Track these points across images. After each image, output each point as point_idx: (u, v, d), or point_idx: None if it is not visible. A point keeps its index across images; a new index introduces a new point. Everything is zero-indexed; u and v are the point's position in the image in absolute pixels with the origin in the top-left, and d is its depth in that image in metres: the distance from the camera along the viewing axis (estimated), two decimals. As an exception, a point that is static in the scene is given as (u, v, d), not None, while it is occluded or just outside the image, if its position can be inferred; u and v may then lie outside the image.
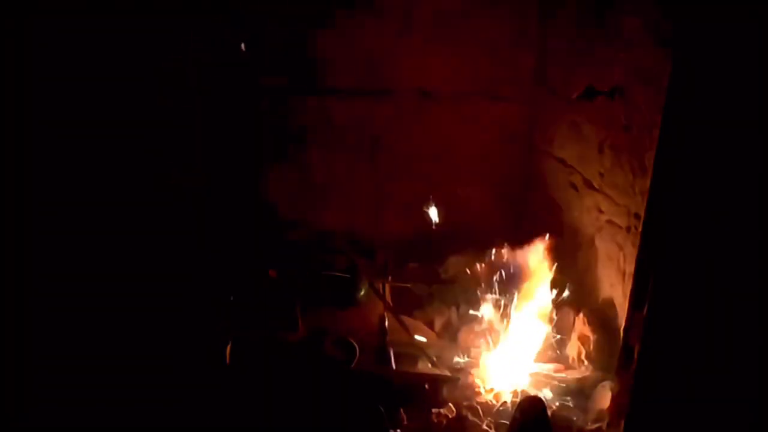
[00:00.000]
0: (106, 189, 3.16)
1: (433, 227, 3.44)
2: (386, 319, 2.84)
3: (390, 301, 3.05)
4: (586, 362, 2.75)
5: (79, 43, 3.00)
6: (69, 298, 2.65)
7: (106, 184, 3.16)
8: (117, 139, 3.18)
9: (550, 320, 2.88)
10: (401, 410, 2.48)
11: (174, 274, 2.96)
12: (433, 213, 3.45)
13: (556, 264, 2.89)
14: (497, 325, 2.89)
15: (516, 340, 2.81)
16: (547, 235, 2.96)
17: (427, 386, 2.60)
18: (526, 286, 2.91)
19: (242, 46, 3.26)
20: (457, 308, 3.12)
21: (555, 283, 2.93)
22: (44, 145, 2.90)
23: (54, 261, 2.75)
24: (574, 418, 2.49)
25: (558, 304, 2.93)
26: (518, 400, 2.47)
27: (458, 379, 2.66)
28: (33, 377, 2.33)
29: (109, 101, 3.13)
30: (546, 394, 2.60)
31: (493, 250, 3.13)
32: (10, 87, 2.62)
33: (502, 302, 2.96)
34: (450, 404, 2.55)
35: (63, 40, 2.96)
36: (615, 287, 2.80)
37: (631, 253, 2.61)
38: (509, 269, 2.98)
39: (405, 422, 2.46)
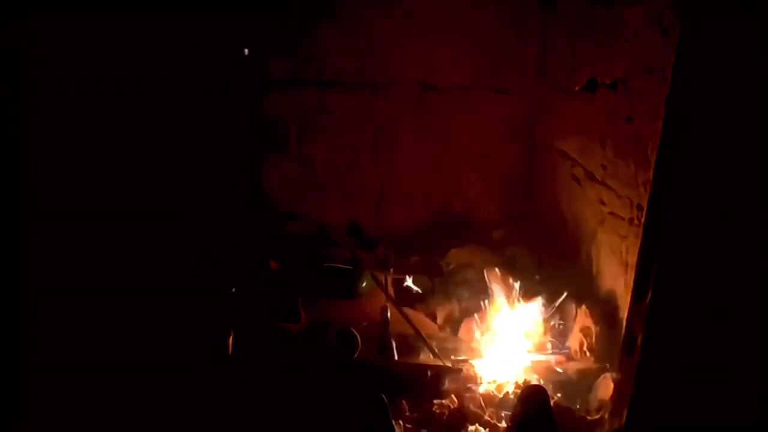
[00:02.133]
0: (106, 187, 3.15)
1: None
2: (388, 311, 2.84)
3: (392, 293, 3.05)
4: (588, 353, 2.75)
5: (80, 42, 2.98)
6: (68, 296, 2.63)
7: (106, 182, 3.14)
8: (117, 138, 3.16)
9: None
10: (403, 401, 2.49)
11: (175, 269, 2.96)
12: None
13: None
14: (499, 316, 2.90)
15: (518, 332, 2.81)
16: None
17: (429, 377, 2.60)
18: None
19: (245, 51, 3.26)
20: (459, 300, 3.13)
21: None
22: (44, 144, 2.87)
23: (53, 259, 2.73)
24: (577, 406, 2.50)
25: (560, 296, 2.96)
26: (520, 390, 2.47)
27: (460, 370, 2.66)
28: (33, 377, 2.31)
29: (109, 100, 3.11)
30: (548, 384, 2.61)
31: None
32: (10, 87, 2.60)
33: (505, 294, 2.98)
34: (452, 395, 2.55)
35: (64, 39, 2.94)
36: (617, 279, 2.80)
37: (633, 244, 2.61)
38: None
39: (407, 413, 2.46)
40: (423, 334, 2.85)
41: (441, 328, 3.01)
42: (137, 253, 2.98)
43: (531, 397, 2.32)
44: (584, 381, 2.62)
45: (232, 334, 2.69)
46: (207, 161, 3.43)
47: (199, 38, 3.23)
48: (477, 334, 2.90)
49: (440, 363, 2.72)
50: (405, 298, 3.11)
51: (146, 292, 2.73)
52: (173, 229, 3.15)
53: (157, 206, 3.21)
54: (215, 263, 3.05)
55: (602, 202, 2.93)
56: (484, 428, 2.40)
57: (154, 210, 3.19)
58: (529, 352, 2.80)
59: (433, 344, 2.81)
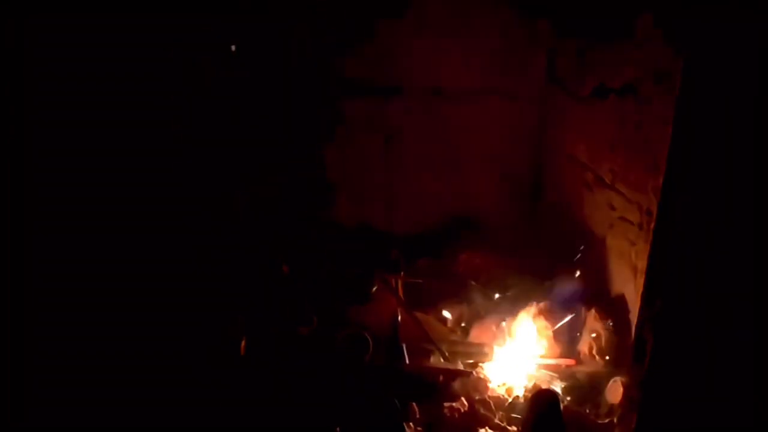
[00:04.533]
0: (107, 187, 3.13)
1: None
2: (399, 314, 2.86)
3: (402, 297, 3.07)
4: (597, 357, 2.76)
5: (80, 42, 2.98)
6: (69, 296, 2.63)
7: (106, 182, 3.13)
8: (118, 138, 3.16)
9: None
10: (414, 404, 2.51)
11: (176, 269, 2.96)
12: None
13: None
14: (509, 320, 2.92)
15: (528, 335, 2.83)
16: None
17: (440, 380, 2.61)
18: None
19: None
20: (469, 304, 3.14)
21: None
22: (44, 144, 2.87)
23: (53, 259, 2.72)
24: (587, 411, 2.51)
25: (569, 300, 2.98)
26: (530, 394, 2.49)
27: (470, 373, 2.68)
28: (33, 377, 2.32)
29: (109, 100, 3.11)
30: (558, 388, 2.62)
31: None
32: (10, 87, 2.61)
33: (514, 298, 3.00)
34: (462, 398, 2.57)
35: (64, 39, 2.94)
36: (626, 283, 2.81)
37: (643, 249, 2.62)
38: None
39: (417, 416, 2.48)
40: (433, 338, 2.87)
41: (451, 332, 3.03)
42: (138, 253, 2.98)
43: (541, 400, 2.33)
44: (594, 384, 2.64)
45: (245, 336, 2.72)
46: (211, 162, 3.44)
47: (201, 39, 3.24)
48: (487, 337, 2.92)
49: (451, 366, 2.74)
50: (415, 301, 3.12)
51: (146, 292, 2.74)
52: (174, 230, 3.15)
53: (158, 206, 3.22)
54: (216, 264, 3.06)
55: (612, 207, 2.93)
56: (494, 431, 2.42)
57: (154, 210, 3.20)
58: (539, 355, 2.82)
59: (444, 348, 2.83)
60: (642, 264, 2.56)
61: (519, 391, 2.62)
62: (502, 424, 2.46)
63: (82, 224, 2.92)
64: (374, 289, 3.12)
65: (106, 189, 3.11)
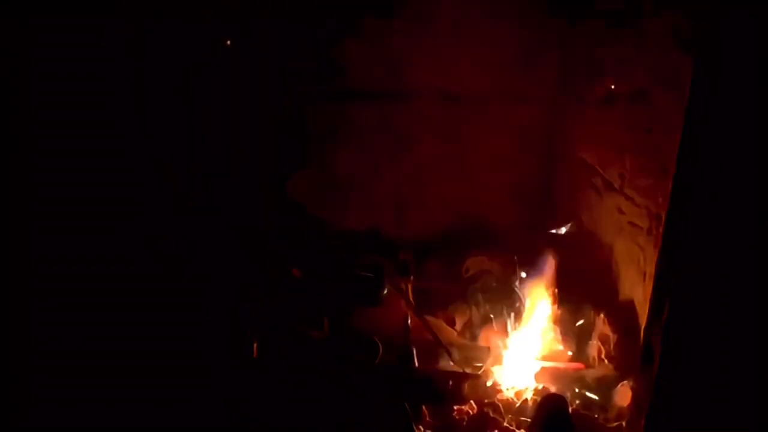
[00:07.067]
0: (107, 187, 3.14)
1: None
2: (409, 318, 2.88)
3: (412, 300, 3.08)
4: (606, 361, 2.77)
5: (80, 42, 3.00)
6: (69, 296, 2.63)
7: (106, 182, 3.14)
8: (118, 138, 3.17)
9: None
10: (423, 407, 2.53)
11: (178, 269, 2.97)
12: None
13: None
14: (518, 323, 2.94)
15: (536, 339, 2.84)
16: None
17: (449, 384, 2.63)
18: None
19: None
20: (478, 307, 3.16)
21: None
22: (44, 144, 2.87)
23: (53, 259, 2.73)
24: (596, 416, 2.52)
25: (578, 304, 2.99)
26: (539, 398, 2.50)
27: (479, 376, 2.70)
28: (33, 377, 2.33)
29: (112, 101, 3.13)
30: (567, 392, 2.63)
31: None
32: (10, 87, 2.62)
33: (523, 301, 3.01)
34: (471, 401, 2.59)
35: (64, 39, 2.95)
36: (635, 288, 2.82)
37: (651, 254, 2.62)
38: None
39: (427, 419, 2.50)
40: (443, 341, 2.89)
41: (460, 335, 3.04)
42: (140, 252, 2.99)
43: (550, 404, 2.35)
44: (603, 388, 2.65)
45: (256, 340, 2.74)
46: (217, 164, 3.45)
47: (213, 47, 3.25)
48: (496, 340, 2.94)
49: (460, 370, 2.76)
50: (425, 305, 3.14)
51: (150, 293, 2.75)
52: (178, 229, 3.16)
53: (160, 207, 3.23)
54: (225, 266, 3.07)
55: (621, 211, 2.94)
56: (503, 434, 2.44)
57: (156, 210, 3.22)
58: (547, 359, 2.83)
59: (453, 351, 2.85)
60: (651, 269, 2.57)
61: (528, 395, 2.63)
62: (511, 427, 2.47)
63: (82, 224, 2.93)
64: (385, 292, 3.14)
65: (107, 189, 3.12)
